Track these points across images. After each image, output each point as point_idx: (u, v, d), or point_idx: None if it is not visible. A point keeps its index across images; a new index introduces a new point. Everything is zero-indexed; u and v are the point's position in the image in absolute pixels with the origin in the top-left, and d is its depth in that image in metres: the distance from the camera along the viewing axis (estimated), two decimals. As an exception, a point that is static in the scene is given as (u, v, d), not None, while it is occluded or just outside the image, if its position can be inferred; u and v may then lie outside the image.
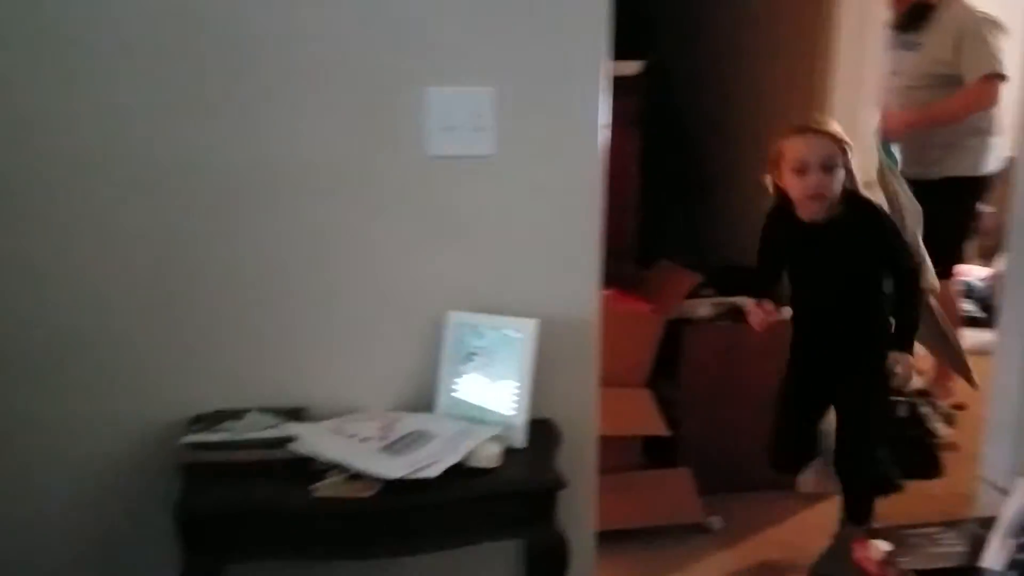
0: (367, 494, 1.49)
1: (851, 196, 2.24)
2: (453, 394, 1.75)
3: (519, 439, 1.66)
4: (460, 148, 1.73)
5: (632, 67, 2.92)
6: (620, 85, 2.00)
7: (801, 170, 2.19)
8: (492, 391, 1.71)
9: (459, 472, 1.53)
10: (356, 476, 1.52)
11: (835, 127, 2.25)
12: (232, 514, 1.51)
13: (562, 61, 1.74)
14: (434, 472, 1.49)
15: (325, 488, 1.51)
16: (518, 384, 1.68)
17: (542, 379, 1.70)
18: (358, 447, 1.58)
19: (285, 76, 1.66)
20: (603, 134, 1.80)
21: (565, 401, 1.82)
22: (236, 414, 1.69)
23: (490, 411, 1.70)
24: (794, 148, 2.20)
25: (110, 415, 1.72)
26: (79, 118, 1.61)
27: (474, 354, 1.74)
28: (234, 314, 1.74)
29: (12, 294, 1.65)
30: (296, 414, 1.71)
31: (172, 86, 1.63)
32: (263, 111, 1.67)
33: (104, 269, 1.68)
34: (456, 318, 1.76)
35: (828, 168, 2.18)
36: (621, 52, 1.90)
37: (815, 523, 2.48)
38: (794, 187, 2.22)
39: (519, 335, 1.70)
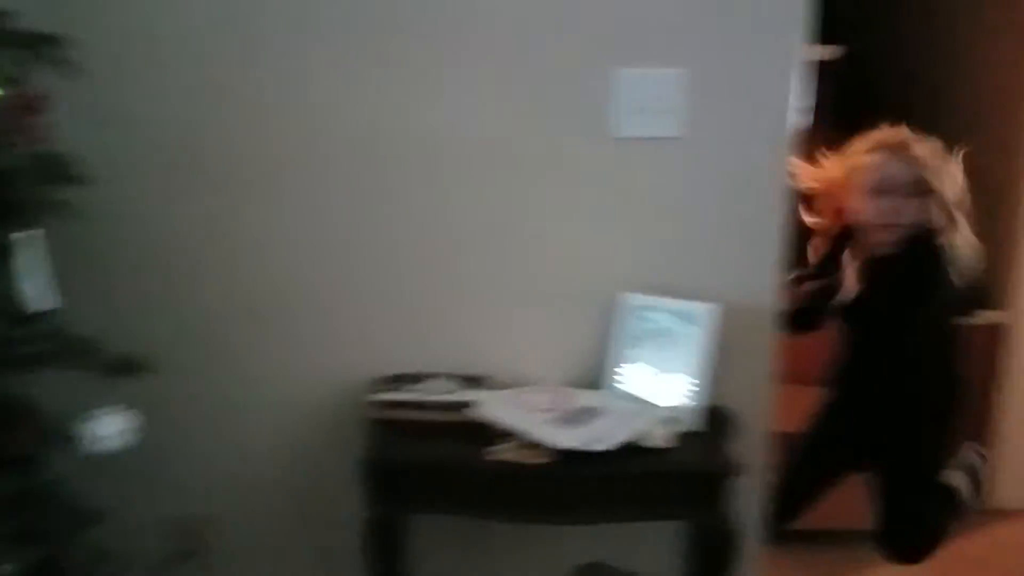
0: (540, 461, 1.55)
1: (922, 232, 1.93)
2: (626, 373, 1.77)
3: (692, 423, 1.66)
4: (647, 129, 1.74)
5: (829, 52, 2.80)
6: (815, 70, 1.93)
7: (882, 191, 1.93)
8: (666, 373, 1.71)
9: (630, 449, 1.55)
10: (530, 444, 1.58)
11: (923, 147, 1.95)
12: (414, 468, 1.61)
13: (756, 43, 1.71)
14: (606, 446, 1.53)
15: (500, 452, 1.58)
16: (695, 368, 1.68)
17: (716, 365, 1.69)
18: (533, 417, 1.63)
19: (477, 56, 1.73)
20: (794, 120, 1.76)
21: (739, 390, 1.79)
22: (418, 378, 1.80)
23: (663, 393, 1.71)
24: (876, 166, 1.94)
25: (307, 371, 1.88)
26: (294, 104, 1.76)
27: (650, 335, 1.75)
28: (420, 284, 1.84)
29: (231, 262, 1.83)
30: (473, 382, 1.79)
31: (369, 71, 1.74)
32: (454, 90, 1.75)
33: (309, 240, 1.82)
34: (633, 299, 1.78)
35: (912, 194, 1.92)
36: (819, 36, 1.84)
37: (1008, 540, 2.30)
38: (867, 210, 1.95)
39: (699, 319, 1.69)
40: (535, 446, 1.57)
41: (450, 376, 1.80)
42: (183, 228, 1.81)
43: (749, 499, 1.80)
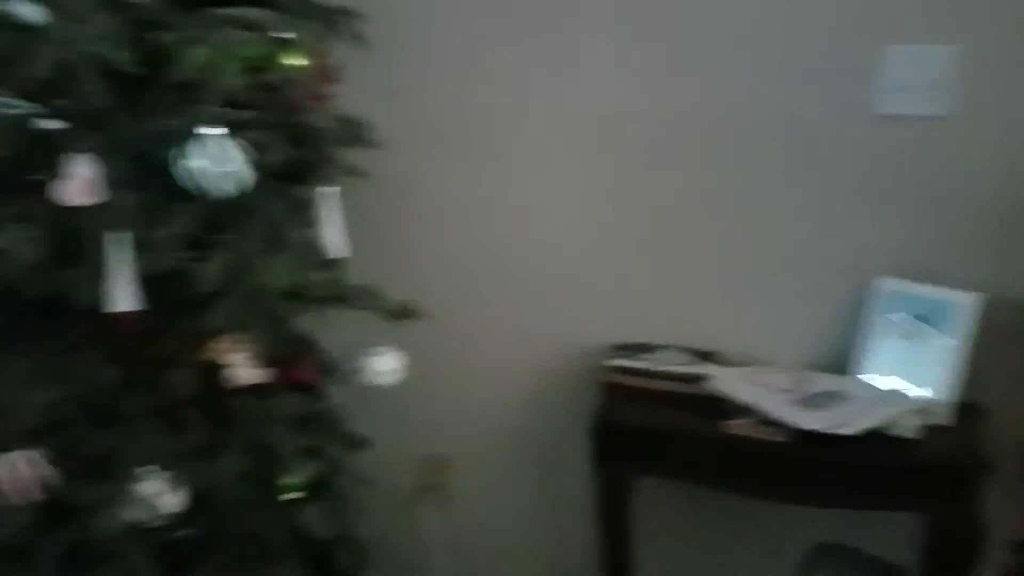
0: (778, 440, 1.55)
1: None
2: (874, 361, 1.71)
3: (943, 416, 1.59)
4: (913, 107, 1.67)
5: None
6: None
7: None
8: (917, 363, 1.65)
9: (875, 437, 1.52)
10: (767, 422, 1.58)
11: None
12: (645, 433, 1.67)
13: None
14: (850, 431, 1.50)
15: (737, 427, 1.59)
16: (948, 360, 1.60)
17: (972, 359, 1.61)
18: (772, 395, 1.63)
19: (737, 31, 1.73)
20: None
21: (994, 387, 1.69)
22: (653, 347, 1.84)
23: (911, 383, 1.64)
24: None
25: (550, 332, 1.98)
26: (558, 85, 1.85)
27: (902, 322, 1.68)
28: (664, 258, 1.88)
29: (491, 226, 1.97)
30: (708, 356, 1.81)
31: (629, 50, 1.80)
32: (715, 67, 1.76)
33: (564, 211, 1.92)
34: (887, 285, 1.72)
35: None
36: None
37: None
38: None
39: (958, 308, 1.61)
40: (773, 424, 1.57)
41: (683, 349, 1.83)
42: (450, 194, 1.96)
43: (999, 501, 1.70)
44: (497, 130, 1.91)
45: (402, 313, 1.59)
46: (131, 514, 1.22)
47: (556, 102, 1.87)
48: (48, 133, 1.31)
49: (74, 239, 1.21)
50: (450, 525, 2.12)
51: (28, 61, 1.18)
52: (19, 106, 1.32)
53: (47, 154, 1.26)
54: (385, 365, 1.59)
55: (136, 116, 1.24)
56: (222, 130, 1.25)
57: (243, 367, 1.39)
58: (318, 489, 1.58)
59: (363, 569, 1.76)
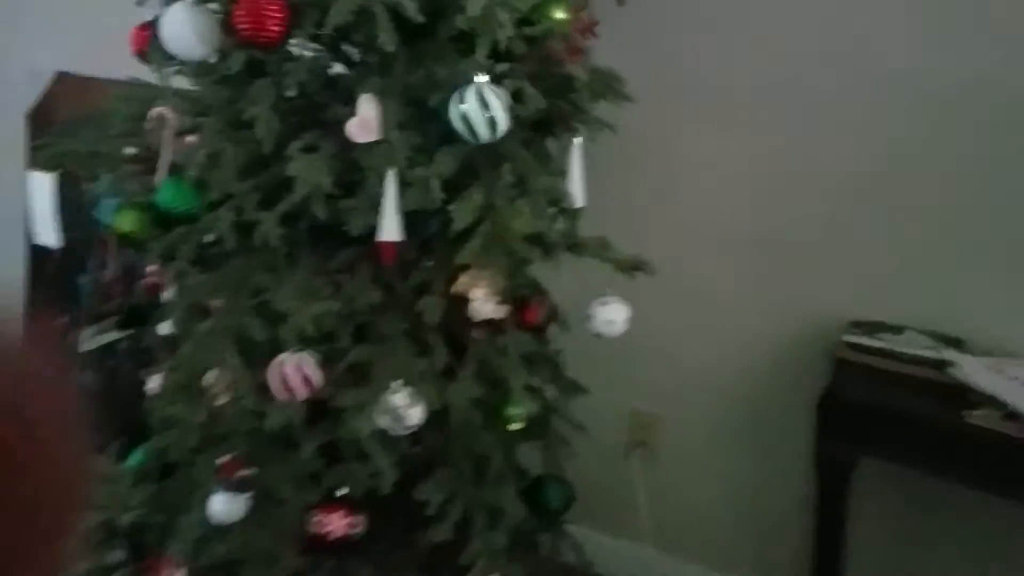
0: (1022, 435, 1.45)
1: None
2: None
3: None
4: None
5: None
6: None
7: None
8: None
9: None
10: (1012, 415, 1.48)
11: None
12: (879, 412, 1.61)
13: None
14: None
15: (979, 418, 1.50)
16: None
17: None
18: (1020, 389, 1.52)
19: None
20: None
21: None
22: (894, 328, 1.76)
23: None
24: None
25: (783, 301, 1.95)
26: (797, 44, 1.79)
27: None
28: (912, 234, 1.79)
29: (724, 187, 1.95)
30: (952, 343, 1.71)
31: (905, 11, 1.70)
32: (1004, 32, 1.63)
33: (806, 179, 1.87)
34: None
35: None
36: None
37: None
38: None
39: None
40: (1018, 419, 1.47)
41: (925, 332, 1.74)
42: (689, 153, 1.97)
43: None
44: (740, 92, 1.89)
45: (633, 266, 1.62)
46: (380, 421, 1.35)
47: (806, 67, 1.81)
48: (337, 76, 1.47)
49: (354, 171, 1.34)
50: (655, 482, 2.16)
51: (327, 8, 1.31)
52: (314, 51, 1.48)
53: (336, 94, 1.41)
54: (612, 315, 1.64)
55: (414, 62, 1.35)
56: (487, 79, 1.34)
57: (483, 302, 1.50)
58: (535, 427, 1.67)
59: (567, 510, 1.84)
